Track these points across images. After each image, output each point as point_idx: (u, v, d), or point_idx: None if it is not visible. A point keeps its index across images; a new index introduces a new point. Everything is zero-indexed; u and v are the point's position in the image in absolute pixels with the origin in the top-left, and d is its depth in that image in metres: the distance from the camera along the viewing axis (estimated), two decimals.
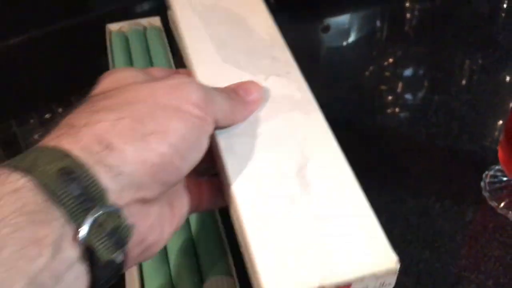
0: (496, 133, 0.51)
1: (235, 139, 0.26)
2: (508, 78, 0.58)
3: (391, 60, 0.63)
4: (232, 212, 0.25)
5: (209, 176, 0.29)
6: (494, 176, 0.45)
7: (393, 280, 0.23)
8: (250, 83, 0.29)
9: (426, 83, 0.59)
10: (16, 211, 0.18)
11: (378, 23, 0.71)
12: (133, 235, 0.21)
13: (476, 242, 0.41)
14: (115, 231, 0.20)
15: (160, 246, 0.25)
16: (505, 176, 0.45)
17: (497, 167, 0.46)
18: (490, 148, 0.49)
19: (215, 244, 0.38)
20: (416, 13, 0.71)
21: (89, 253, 0.19)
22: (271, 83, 0.30)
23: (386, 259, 0.22)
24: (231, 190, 0.25)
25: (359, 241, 0.23)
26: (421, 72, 0.61)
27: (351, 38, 0.68)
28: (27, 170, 0.19)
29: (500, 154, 0.44)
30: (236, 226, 0.25)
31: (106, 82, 0.25)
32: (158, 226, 0.24)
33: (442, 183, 0.46)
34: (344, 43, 0.67)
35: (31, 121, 0.56)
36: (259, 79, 0.29)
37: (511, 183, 0.45)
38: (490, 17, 0.69)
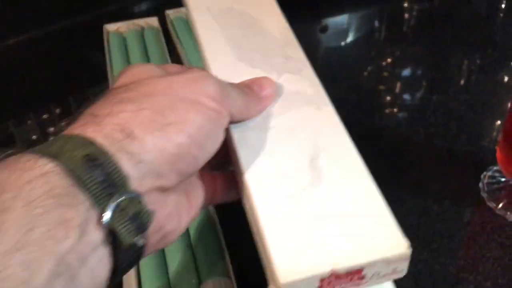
0: (494, 134, 0.51)
1: (249, 132, 0.27)
2: (506, 79, 0.58)
3: (389, 60, 0.63)
4: (245, 201, 0.26)
5: (223, 170, 0.30)
6: (493, 177, 0.45)
7: (405, 266, 0.23)
8: (264, 78, 0.29)
9: (424, 83, 0.59)
10: (45, 193, 0.18)
11: (376, 23, 0.71)
12: (153, 221, 0.22)
13: (475, 242, 0.41)
14: (137, 216, 0.21)
15: (177, 235, 0.25)
16: (503, 177, 0.45)
17: (495, 168, 0.46)
18: (488, 148, 0.49)
19: (212, 246, 0.38)
20: (414, 13, 0.71)
21: (112, 237, 0.20)
22: (284, 80, 0.30)
23: (398, 244, 0.22)
24: (244, 180, 0.25)
25: (371, 227, 0.23)
26: (419, 72, 0.61)
27: (350, 38, 0.68)
28: (54, 156, 0.20)
29: (499, 154, 0.44)
30: (249, 214, 0.26)
31: (126, 76, 0.26)
32: (175, 215, 0.25)
33: (441, 184, 0.46)
34: (343, 43, 0.67)
35: (29, 122, 0.56)
36: (273, 76, 0.30)
37: (509, 183, 0.45)
38: (489, 17, 0.69)
